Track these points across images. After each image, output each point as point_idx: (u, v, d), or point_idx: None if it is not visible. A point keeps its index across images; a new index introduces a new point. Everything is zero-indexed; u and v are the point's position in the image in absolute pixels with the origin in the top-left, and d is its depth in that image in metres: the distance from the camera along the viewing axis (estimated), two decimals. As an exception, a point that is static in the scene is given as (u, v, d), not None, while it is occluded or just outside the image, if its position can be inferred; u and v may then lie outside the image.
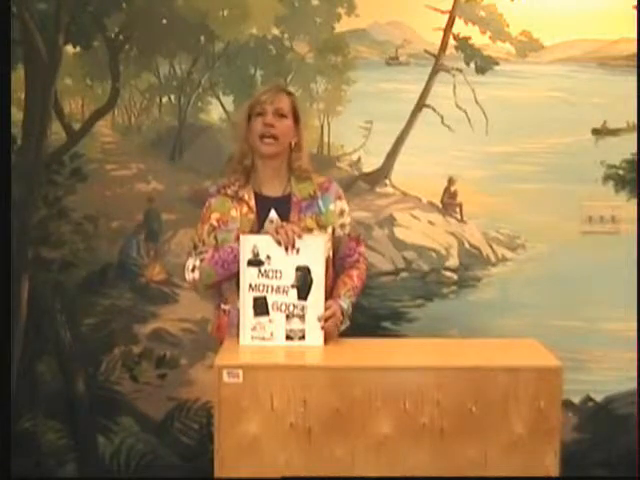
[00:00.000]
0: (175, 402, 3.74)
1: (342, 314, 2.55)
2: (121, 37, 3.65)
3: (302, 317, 2.41)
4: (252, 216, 2.57)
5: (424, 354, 2.47)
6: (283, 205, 2.60)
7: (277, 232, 2.40)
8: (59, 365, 3.72)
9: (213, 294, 2.67)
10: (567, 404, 3.59)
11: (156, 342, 3.75)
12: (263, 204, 2.59)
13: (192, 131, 3.78)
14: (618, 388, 3.68)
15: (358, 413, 2.24)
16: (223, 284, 2.58)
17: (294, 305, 2.41)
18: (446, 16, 3.64)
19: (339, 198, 2.65)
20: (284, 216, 2.58)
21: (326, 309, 2.45)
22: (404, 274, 3.75)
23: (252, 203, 2.58)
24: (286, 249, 2.38)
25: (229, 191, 2.60)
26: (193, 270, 2.56)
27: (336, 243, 2.64)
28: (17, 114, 3.61)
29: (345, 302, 2.58)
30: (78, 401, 3.72)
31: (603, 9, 3.58)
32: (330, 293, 2.56)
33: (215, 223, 2.57)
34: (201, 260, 2.54)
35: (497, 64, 3.67)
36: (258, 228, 2.56)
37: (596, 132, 3.63)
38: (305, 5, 3.66)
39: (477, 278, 3.75)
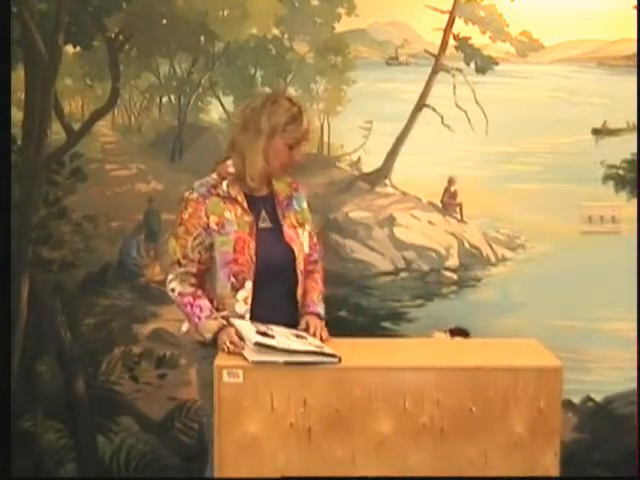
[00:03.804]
0: (175, 402, 3.74)
1: (321, 319, 2.61)
2: (121, 37, 3.65)
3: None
4: (248, 218, 2.55)
5: (424, 354, 2.47)
6: (269, 204, 2.62)
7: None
8: (59, 365, 3.72)
9: None
10: (567, 404, 3.59)
11: (156, 342, 3.75)
12: (253, 204, 2.58)
13: (192, 131, 3.78)
14: (618, 388, 3.68)
15: (358, 413, 2.24)
16: (217, 291, 2.57)
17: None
18: (446, 16, 3.64)
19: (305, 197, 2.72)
20: (272, 214, 2.60)
21: (308, 327, 2.51)
22: (404, 274, 3.75)
23: (245, 205, 2.56)
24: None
25: (220, 191, 2.55)
26: (173, 291, 2.55)
27: None
28: (17, 114, 3.61)
29: (321, 307, 2.64)
30: (78, 401, 3.72)
31: (603, 9, 3.58)
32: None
33: (215, 227, 2.52)
34: (179, 294, 2.53)
35: (497, 64, 3.67)
36: (256, 230, 2.55)
37: (596, 132, 3.63)
38: (305, 5, 3.66)
39: (477, 278, 3.75)
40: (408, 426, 2.24)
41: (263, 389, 2.24)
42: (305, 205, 2.68)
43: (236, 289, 2.53)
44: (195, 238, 2.52)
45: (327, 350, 2.30)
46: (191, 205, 2.54)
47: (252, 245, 2.52)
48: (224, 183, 2.55)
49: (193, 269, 2.54)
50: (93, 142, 3.74)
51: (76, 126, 3.70)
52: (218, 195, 2.54)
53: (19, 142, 3.62)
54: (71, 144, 3.68)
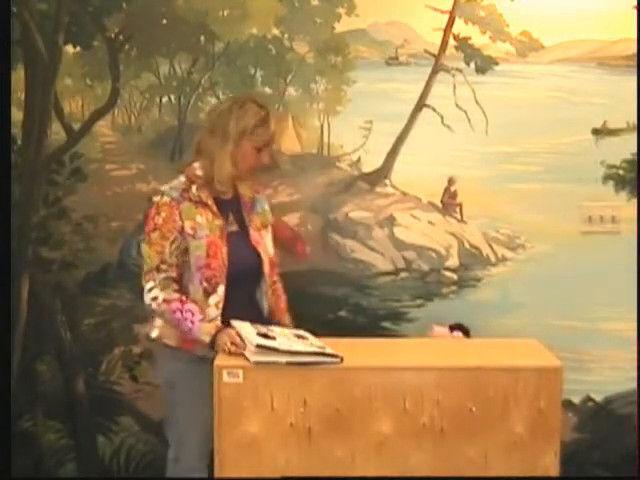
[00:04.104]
0: (175, 402, 3.73)
1: None
2: (121, 37, 3.65)
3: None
4: (219, 222, 2.55)
5: (424, 354, 2.47)
6: (235, 207, 2.63)
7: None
8: (59, 365, 3.72)
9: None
10: (567, 404, 3.59)
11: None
12: (221, 208, 2.58)
13: (192, 131, 3.76)
14: (618, 388, 3.68)
15: (358, 413, 2.24)
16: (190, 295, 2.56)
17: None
18: (446, 16, 3.63)
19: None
20: (238, 216, 2.62)
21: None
22: (404, 274, 3.75)
23: (215, 208, 2.55)
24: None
25: (191, 195, 2.53)
26: (155, 299, 2.51)
27: None
28: (17, 114, 3.61)
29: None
30: (78, 401, 3.71)
31: (603, 9, 3.58)
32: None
33: (190, 231, 2.50)
34: (165, 301, 2.49)
35: (497, 64, 3.66)
36: (227, 234, 2.55)
37: (596, 132, 3.63)
38: (305, 5, 3.66)
39: (477, 278, 3.75)
40: (408, 426, 2.24)
41: (263, 389, 2.24)
42: (267, 207, 2.71)
43: (208, 293, 2.53)
44: (172, 242, 2.51)
45: (329, 350, 2.30)
46: (164, 209, 2.52)
47: (224, 249, 2.52)
48: (194, 187, 2.54)
49: (174, 274, 2.52)
50: (93, 142, 3.74)
51: (76, 126, 3.70)
52: (190, 199, 2.53)
53: (19, 142, 3.62)
54: (71, 144, 3.68)
